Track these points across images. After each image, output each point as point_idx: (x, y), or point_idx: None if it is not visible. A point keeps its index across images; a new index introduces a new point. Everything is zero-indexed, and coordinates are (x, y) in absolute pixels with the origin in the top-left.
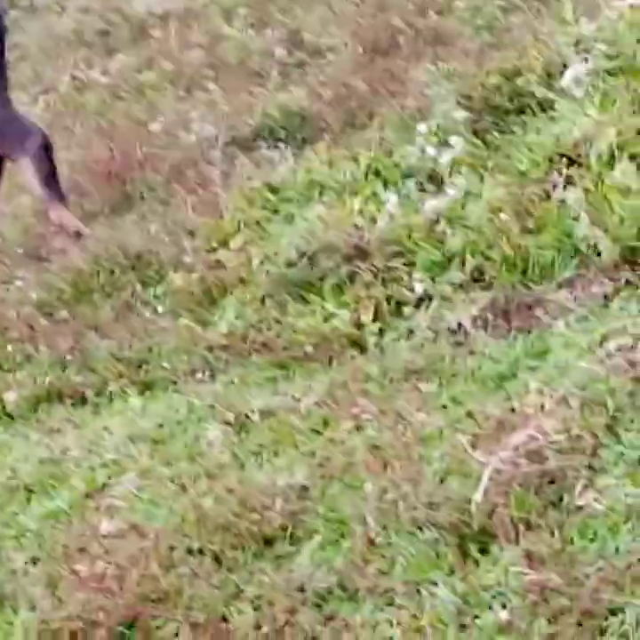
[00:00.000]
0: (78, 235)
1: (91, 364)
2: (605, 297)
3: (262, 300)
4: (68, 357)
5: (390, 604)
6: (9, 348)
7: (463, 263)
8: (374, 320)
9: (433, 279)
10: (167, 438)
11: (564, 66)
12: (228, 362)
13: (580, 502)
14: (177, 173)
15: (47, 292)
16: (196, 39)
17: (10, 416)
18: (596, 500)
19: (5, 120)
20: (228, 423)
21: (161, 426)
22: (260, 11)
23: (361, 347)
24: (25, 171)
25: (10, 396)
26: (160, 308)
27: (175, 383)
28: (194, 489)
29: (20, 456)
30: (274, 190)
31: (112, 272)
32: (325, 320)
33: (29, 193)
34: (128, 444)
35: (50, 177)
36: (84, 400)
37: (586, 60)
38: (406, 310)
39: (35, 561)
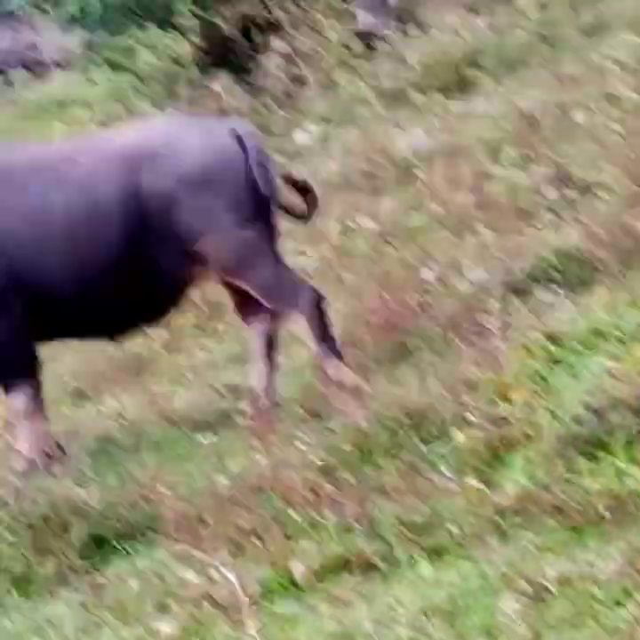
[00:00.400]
0: (357, 392)
1: (377, 529)
2: None
3: (550, 458)
4: (355, 524)
5: None
6: (292, 513)
7: None
8: None
9: None
10: (461, 611)
11: None
12: (519, 525)
13: None
14: (452, 323)
15: (329, 453)
16: (462, 178)
17: (298, 587)
18: None
19: (277, 276)
20: (523, 594)
21: (453, 597)
22: (526, 146)
23: None
24: (300, 326)
25: (297, 567)
26: (444, 468)
27: (464, 547)
28: None
29: (311, 631)
30: (554, 340)
31: (394, 431)
32: (618, 479)
33: (307, 347)
34: (421, 619)
35: (325, 333)
36: (371, 568)
37: None
38: None
39: None
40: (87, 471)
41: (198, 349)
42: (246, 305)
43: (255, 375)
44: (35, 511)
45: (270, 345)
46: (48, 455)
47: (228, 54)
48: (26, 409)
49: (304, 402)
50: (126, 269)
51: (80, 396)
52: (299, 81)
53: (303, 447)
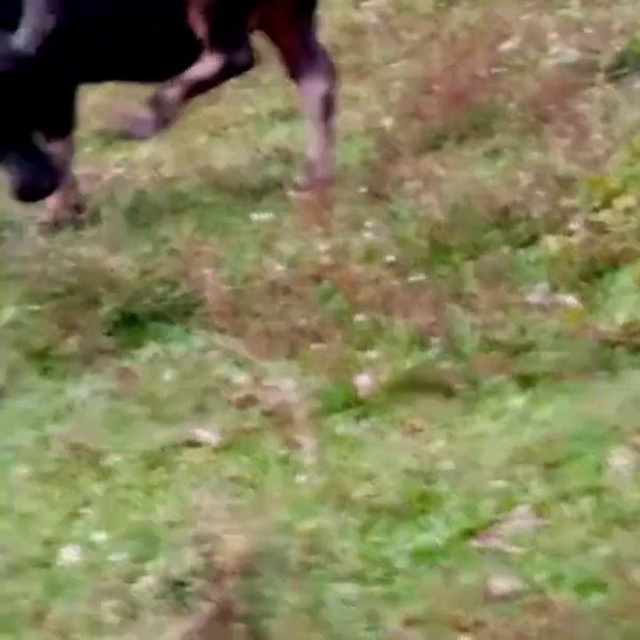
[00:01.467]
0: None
1: (456, 345)
2: None
3: None
4: (430, 336)
5: None
6: (359, 317)
7: None
8: None
9: None
10: (562, 460)
11: None
12: (629, 363)
13: None
14: (535, 104)
15: (399, 246)
16: None
17: (362, 404)
18: None
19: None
20: (636, 448)
21: (549, 440)
22: None
23: None
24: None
25: (363, 381)
26: (535, 279)
27: (561, 380)
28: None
29: (380, 462)
30: None
31: (475, 227)
32: None
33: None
34: (512, 465)
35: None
36: (450, 392)
37: None
38: None
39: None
40: (120, 235)
41: (240, 100)
42: (297, 60)
43: (309, 141)
44: (60, 278)
45: (327, 107)
46: (77, 209)
47: None
48: (60, 159)
49: (367, 178)
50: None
51: (105, 137)
52: None
53: (369, 235)
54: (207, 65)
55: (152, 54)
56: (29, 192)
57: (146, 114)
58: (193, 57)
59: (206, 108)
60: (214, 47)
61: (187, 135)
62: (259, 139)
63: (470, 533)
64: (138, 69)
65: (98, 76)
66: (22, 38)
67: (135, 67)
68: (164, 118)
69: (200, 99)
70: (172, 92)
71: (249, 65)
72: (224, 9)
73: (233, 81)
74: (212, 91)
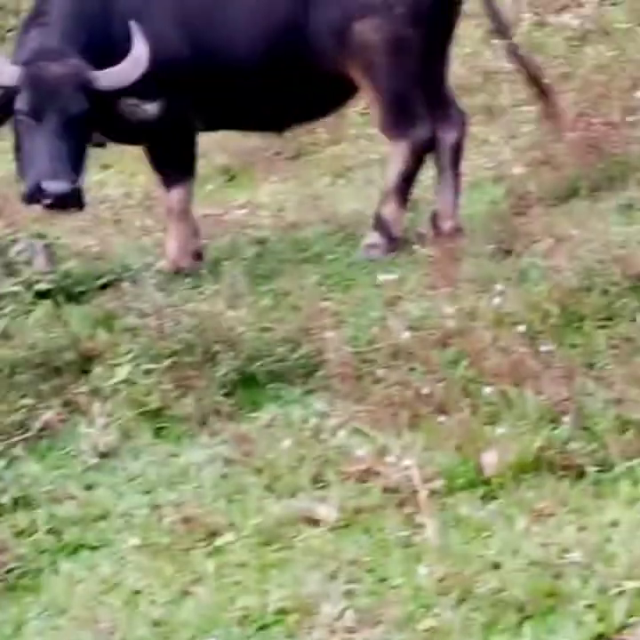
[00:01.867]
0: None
1: (588, 423)
2: None
3: None
4: (561, 412)
5: None
6: (486, 388)
7: None
8: None
9: None
10: None
11: None
12: None
13: None
14: None
15: (529, 311)
16: None
17: (487, 484)
18: None
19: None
20: None
21: None
22: None
23: None
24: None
25: (489, 458)
26: None
27: None
28: None
29: (506, 550)
30: None
31: (606, 292)
32: None
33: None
34: None
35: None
36: (581, 474)
37: None
38: None
39: None
40: (240, 288)
41: (364, 142)
42: (428, 106)
43: (436, 189)
44: (178, 335)
45: (456, 155)
46: (197, 256)
47: None
48: (181, 207)
49: (496, 232)
50: (287, 42)
51: (229, 174)
52: None
53: (497, 299)
54: (395, 159)
55: (273, 106)
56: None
57: (374, 237)
58: (316, 110)
59: (329, 148)
60: (393, 133)
61: (310, 176)
62: (383, 183)
63: (602, 637)
64: (257, 120)
65: (221, 125)
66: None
67: (257, 117)
68: (392, 237)
69: (323, 138)
70: (387, 208)
71: (432, 137)
72: (401, 91)
73: (356, 119)
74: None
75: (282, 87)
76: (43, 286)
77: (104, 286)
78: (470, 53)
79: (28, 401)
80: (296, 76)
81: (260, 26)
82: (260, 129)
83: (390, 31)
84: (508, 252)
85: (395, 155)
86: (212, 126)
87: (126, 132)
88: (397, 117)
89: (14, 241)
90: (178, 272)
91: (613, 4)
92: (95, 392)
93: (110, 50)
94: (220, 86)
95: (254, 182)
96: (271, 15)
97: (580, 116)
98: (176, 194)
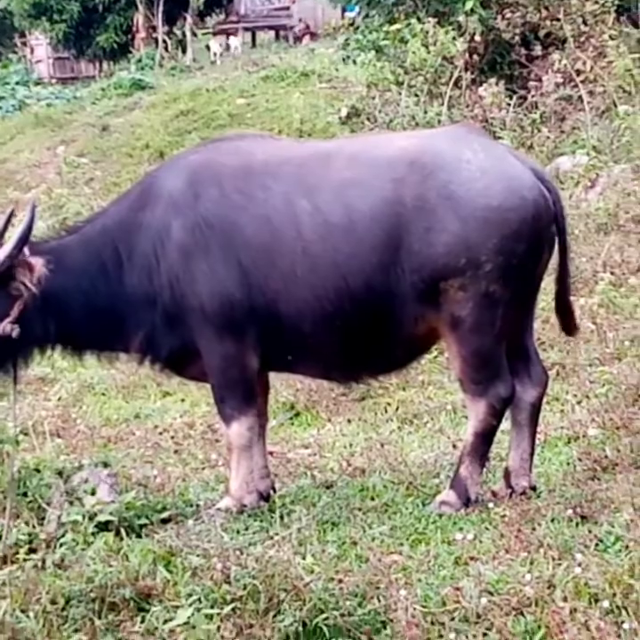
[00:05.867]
0: None
1: None
2: None
3: None
4: None
5: None
6: None
7: None
8: None
9: None
10: None
11: None
12: None
13: None
14: None
15: (610, 585)
16: None
17: None
18: None
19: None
20: None
21: None
22: None
23: None
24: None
25: None
26: None
27: None
28: None
29: None
30: None
31: None
32: None
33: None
34: None
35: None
36: None
37: None
38: None
39: None
40: (307, 535)
41: (433, 389)
42: (511, 361)
43: (510, 445)
44: (242, 580)
45: (534, 414)
46: (263, 497)
47: (502, 61)
48: (242, 443)
49: (571, 495)
50: (369, 301)
51: (294, 411)
52: (573, 103)
53: (577, 570)
54: (474, 417)
55: (346, 358)
56: None
57: (450, 495)
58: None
59: (397, 393)
60: (473, 391)
61: (376, 420)
62: (452, 432)
63: None
64: (327, 369)
65: (286, 369)
66: None
67: (327, 367)
68: (468, 497)
69: (391, 382)
70: (464, 468)
71: (512, 395)
72: (485, 349)
73: (425, 366)
74: (408, 378)
75: (358, 340)
76: (104, 517)
77: (166, 520)
78: (545, 308)
79: (81, 637)
80: (374, 328)
81: (344, 277)
82: (329, 378)
83: (478, 288)
84: (585, 518)
85: (473, 413)
86: (275, 369)
87: (183, 366)
88: (479, 375)
89: (79, 468)
90: (241, 511)
91: None
92: (151, 633)
93: None
94: (284, 332)
95: (319, 421)
96: (356, 265)
97: None
98: (235, 429)
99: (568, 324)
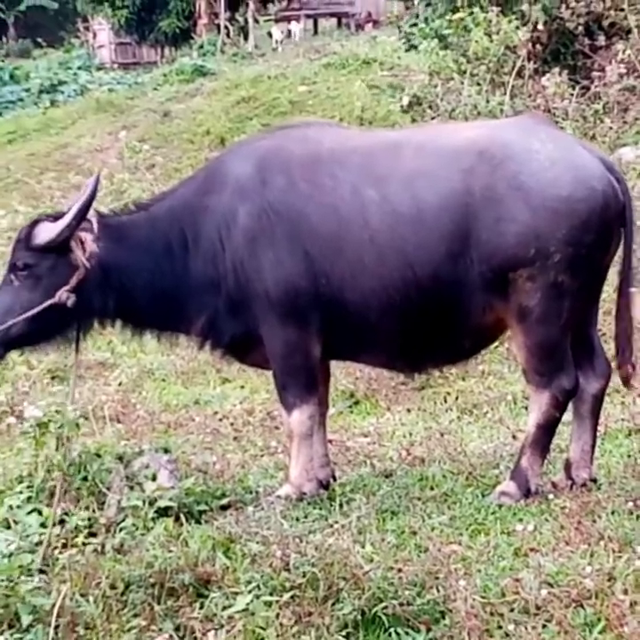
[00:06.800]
0: None
1: None
2: None
3: None
4: None
5: None
6: None
7: None
8: None
9: None
10: None
11: None
12: None
13: None
14: None
15: None
16: None
17: None
18: None
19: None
20: None
21: None
22: None
23: None
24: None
25: None
26: None
27: None
28: None
29: None
30: None
31: None
32: None
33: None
34: None
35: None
36: None
37: None
38: None
39: None
40: (367, 523)
41: (493, 379)
42: (574, 352)
43: (572, 436)
44: (302, 568)
45: (597, 406)
46: (322, 485)
47: (565, 51)
48: (303, 431)
49: (632, 488)
50: (436, 291)
51: (353, 399)
52: (636, 94)
53: (637, 562)
54: (536, 408)
55: (411, 347)
56: None
57: (510, 486)
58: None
59: (457, 383)
60: (537, 381)
61: (436, 409)
62: (512, 423)
63: None
64: (391, 359)
65: (349, 357)
66: None
67: (391, 357)
68: (528, 489)
69: (451, 372)
70: (525, 459)
71: (576, 387)
72: (551, 340)
73: (486, 356)
74: (468, 368)
75: (424, 329)
76: (164, 503)
77: (225, 507)
78: (607, 299)
79: (140, 622)
80: (441, 318)
81: (412, 266)
82: (392, 368)
83: (546, 279)
84: None
85: (536, 404)
86: (339, 357)
87: (245, 353)
88: (544, 366)
89: (139, 453)
90: (301, 499)
91: None
92: (210, 619)
93: None
94: (349, 320)
95: (378, 410)
96: (424, 255)
97: None
98: (296, 416)
99: (624, 320)
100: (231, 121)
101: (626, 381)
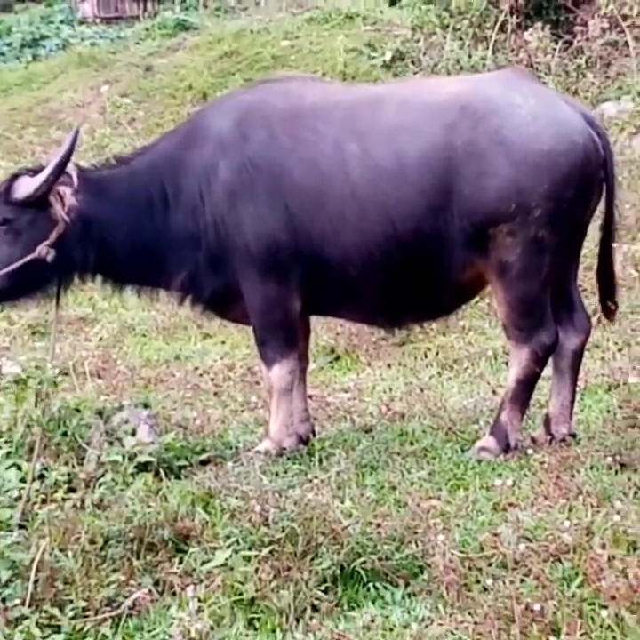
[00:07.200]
0: None
1: None
2: None
3: None
4: None
5: None
6: (602, 611)
7: None
8: None
9: None
10: None
11: None
12: None
13: None
14: None
15: None
16: None
17: None
18: None
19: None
20: None
21: None
22: None
23: None
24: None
25: None
26: None
27: None
28: None
29: None
30: None
31: None
32: None
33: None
34: None
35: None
36: None
37: None
38: None
39: None
40: (346, 479)
41: (474, 334)
42: (554, 308)
43: (551, 392)
44: (281, 523)
45: (576, 361)
46: (302, 440)
47: (547, 5)
48: (282, 386)
49: (611, 443)
50: (417, 246)
51: (334, 355)
52: (619, 49)
53: (615, 517)
54: (516, 364)
55: (392, 303)
56: None
57: (489, 441)
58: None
59: (438, 338)
60: (517, 337)
61: (416, 365)
62: (493, 378)
63: None
64: (370, 314)
65: (328, 312)
66: None
67: (371, 312)
68: (507, 444)
69: (432, 327)
70: (505, 414)
71: (555, 342)
72: (532, 295)
73: (466, 311)
74: (448, 323)
75: (405, 284)
76: (144, 458)
77: (205, 462)
78: (588, 254)
79: (119, 576)
80: (421, 273)
81: (393, 221)
82: (373, 323)
83: (527, 234)
84: (624, 466)
85: (516, 359)
86: (319, 313)
87: (225, 308)
88: (524, 321)
89: (119, 408)
90: (280, 454)
91: None
92: (189, 574)
93: None
94: (330, 275)
95: (359, 365)
96: (405, 210)
97: None
98: (276, 372)
99: (607, 272)
100: (213, 76)
101: (608, 314)
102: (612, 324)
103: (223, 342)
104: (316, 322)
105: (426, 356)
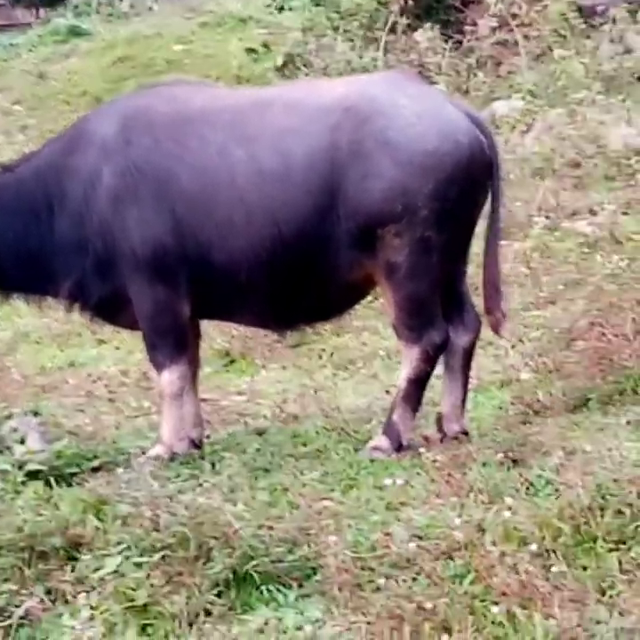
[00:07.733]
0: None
1: None
2: None
3: None
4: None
5: None
6: (494, 607)
7: None
8: None
9: None
10: None
11: None
12: None
13: None
14: None
15: (539, 528)
16: None
17: None
18: None
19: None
20: None
21: None
22: None
23: None
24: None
25: None
26: None
27: None
28: None
29: None
30: None
31: (620, 512)
32: None
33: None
34: None
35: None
36: None
37: None
38: None
39: None
40: (238, 482)
41: (368, 334)
42: (443, 307)
43: (443, 391)
44: (172, 527)
45: (467, 359)
46: (194, 444)
47: (437, 6)
48: (173, 391)
49: (503, 440)
50: (305, 248)
51: (228, 358)
52: (509, 48)
53: (506, 513)
54: (407, 363)
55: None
56: None
57: (381, 440)
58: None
59: (332, 339)
60: (407, 336)
61: (311, 366)
62: (386, 378)
63: None
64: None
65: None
66: None
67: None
68: (400, 443)
69: (326, 328)
70: (397, 414)
71: (446, 341)
72: (420, 295)
73: (361, 311)
74: (343, 323)
75: (293, 287)
76: (34, 466)
77: (96, 469)
78: (478, 252)
79: (10, 586)
80: (310, 275)
81: (279, 224)
82: (264, 326)
83: (413, 234)
84: (516, 462)
85: (407, 359)
86: (210, 317)
87: (113, 314)
88: (413, 321)
89: (8, 417)
90: (172, 458)
91: (625, 214)
92: (81, 581)
93: None
94: (218, 279)
95: (253, 368)
96: (291, 212)
97: (592, 325)
98: (166, 377)
99: (492, 272)
100: (107, 81)
101: (495, 328)
102: (500, 337)
103: (118, 348)
104: (210, 325)
105: (321, 357)
